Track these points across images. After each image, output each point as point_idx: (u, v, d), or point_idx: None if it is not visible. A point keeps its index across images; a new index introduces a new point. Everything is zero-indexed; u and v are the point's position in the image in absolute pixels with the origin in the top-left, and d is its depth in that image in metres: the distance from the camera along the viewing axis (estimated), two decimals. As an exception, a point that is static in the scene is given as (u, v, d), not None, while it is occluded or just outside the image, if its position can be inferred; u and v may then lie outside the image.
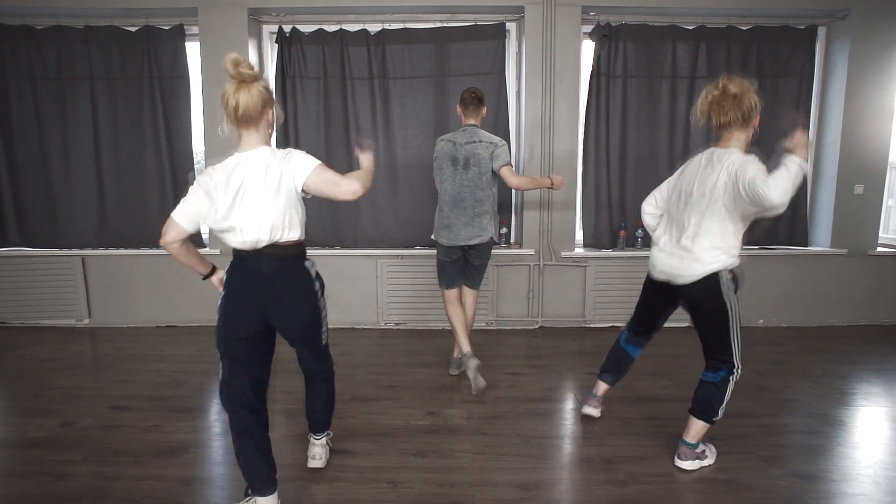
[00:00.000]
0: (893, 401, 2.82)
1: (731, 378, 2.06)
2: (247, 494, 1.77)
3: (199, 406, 2.75)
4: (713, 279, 1.99)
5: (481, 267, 3.04)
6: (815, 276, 4.17)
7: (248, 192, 1.64)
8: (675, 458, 2.15)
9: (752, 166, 1.85)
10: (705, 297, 2.03)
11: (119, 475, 2.06)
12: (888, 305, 4.20)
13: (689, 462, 2.13)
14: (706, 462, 2.17)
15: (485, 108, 2.98)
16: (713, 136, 2.12)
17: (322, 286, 1.86)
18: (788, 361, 3.42)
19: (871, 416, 2.64)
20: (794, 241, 4.23)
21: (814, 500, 1.93)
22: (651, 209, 2.30)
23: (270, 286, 1.71)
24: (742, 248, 2.06)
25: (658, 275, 2.17)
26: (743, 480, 2.06)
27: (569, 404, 2.79)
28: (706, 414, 2.09)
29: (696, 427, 2.12)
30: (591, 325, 4.15)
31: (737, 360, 2.06)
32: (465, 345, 2.93)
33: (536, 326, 4.14)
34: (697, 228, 2.01)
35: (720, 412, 2.08)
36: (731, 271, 2.02)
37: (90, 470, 2.10)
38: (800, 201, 4.20)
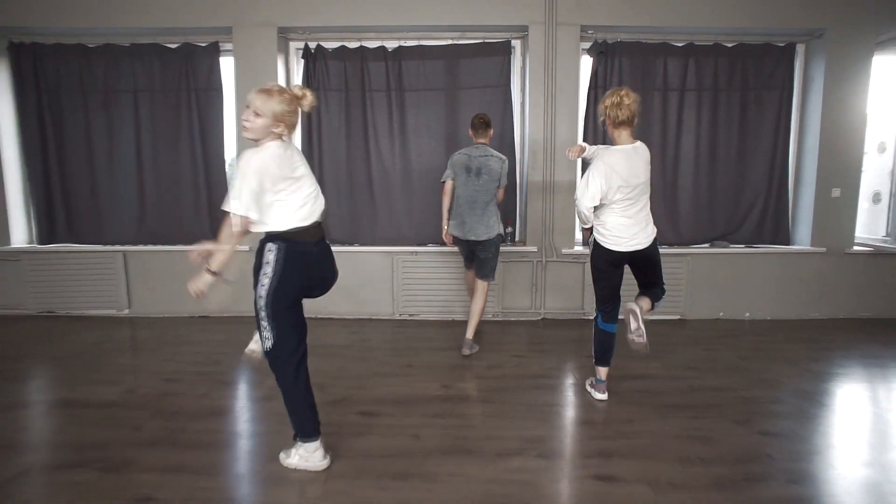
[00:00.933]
0: (860, 379, 3.15)
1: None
2: (295, 439, 2.13)
3: (239, 379, 3.12)
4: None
5: (487, 260, 3.47)
6: (796, 273, 4.51)
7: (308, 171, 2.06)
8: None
9: None
10: (655, 248, 2.72)
11: (183, 428, 2.44)
12: (865, 300, 4.53)
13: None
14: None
15: (492, 130, 3.50)
16: (608, 133, 2.77)
17: None
18: (769, 349, 3.75)
19: (837, 391, 2.98)
20: (778, 241, 4.58)
21: (773, 451, 2.27)
22: (591, 205, 2.65)
23: (319, 266, 2.09)
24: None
25: (631, 248, 2.65)
26: (714, 437, 2.41)
27: (569, 380, 3.14)
28: (659, 300, 2.82)
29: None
30: (590, 317, 4.49)
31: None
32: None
33: (539, 318, 4.50)
34: (644, 205, 2.67)
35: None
36: None
37: (159, 424, 2.48)
38: (782, 203, 4.55)
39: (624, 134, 2.64)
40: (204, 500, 1.89)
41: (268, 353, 2.04)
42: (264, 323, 2.01)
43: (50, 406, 2.70)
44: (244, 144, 4.25)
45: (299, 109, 2.01)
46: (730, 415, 2.65)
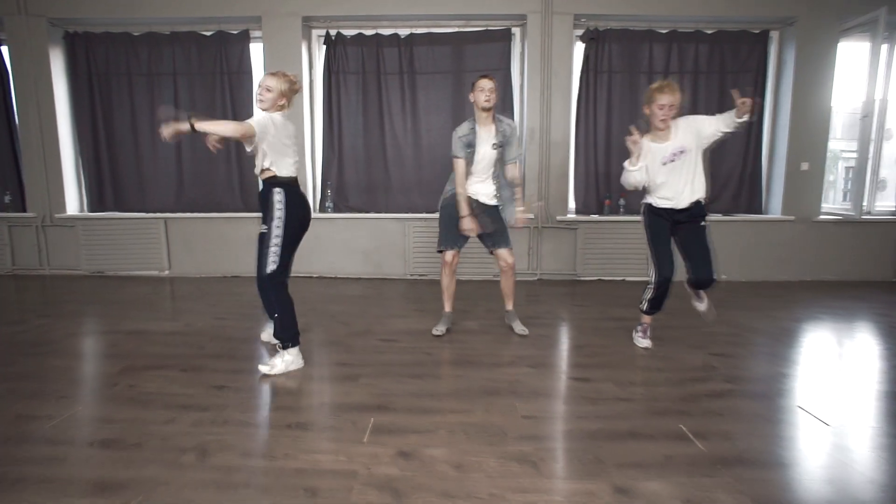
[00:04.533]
0: (812, 324, 3.67)
1: (647, 285, 3.07)
2: (285, 347, 2.65)
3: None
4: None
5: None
6: (768, 239, 5.00)
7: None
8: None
9: None
10: None
11: (238, 347, 3.00)
12: (829, 264, 5.02)
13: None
14: (635, 335, 3.18)
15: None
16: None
17: None
18: (738, 301, 4.25)
19: (788, 330, 3.49)
20: (752, 210, 5.08)
21: (718, 365, 2.79)
22: None
23: (306, 204, 2.73)
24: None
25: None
26: (672, 356, 2.93)
27: (558, 321, 3.67)
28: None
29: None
30: (581, 278, 5.02)
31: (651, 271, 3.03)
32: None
33: (536, 278, 5.03)
34: None
35: (641, 305, 3.11)
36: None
37: (218, 345, 3.04)
38: (756, 176, 5.04)
39: None
40: (267, 389, 2.44)
41: (269, 276, 2.60)
42: (274, 249, 2.58)
43: (127, 333, 3.27)
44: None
45: (293, 89, 2.69)
46: (689, 343, 3.17)
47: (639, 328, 3.16)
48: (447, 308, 3.41)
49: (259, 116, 2.55)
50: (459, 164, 3.14)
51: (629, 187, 2.98)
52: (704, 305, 3.19)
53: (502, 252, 3.30)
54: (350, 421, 2.11)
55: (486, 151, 3.15)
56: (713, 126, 2.83)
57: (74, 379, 2.53)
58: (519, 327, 3.36)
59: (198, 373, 2.62)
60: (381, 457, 1.83)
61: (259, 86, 2.62)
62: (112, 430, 2.00)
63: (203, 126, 2.38)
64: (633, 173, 2.88)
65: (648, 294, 3.05)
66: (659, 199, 2.95)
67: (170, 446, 1.88)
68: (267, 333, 3.04)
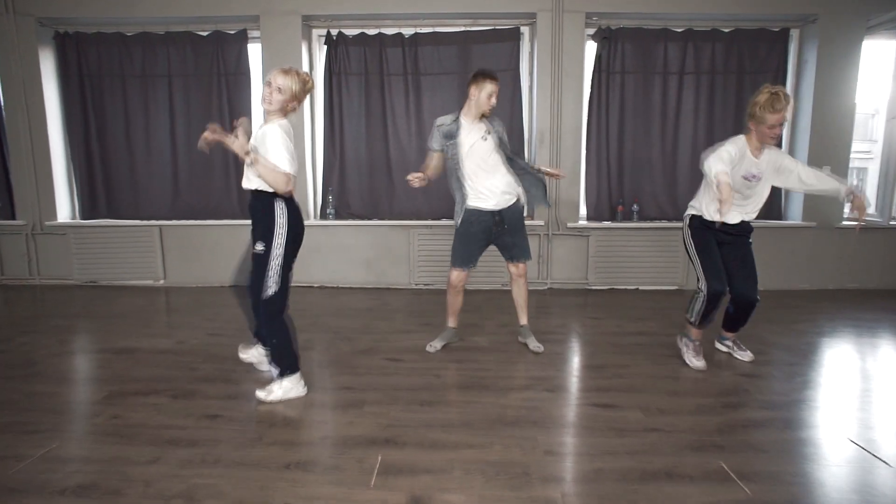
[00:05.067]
0: (840, 337, 3.46)
1: (696, 295, 2.83)
2: (282, 376, 2.41)
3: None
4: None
5: None
6: (788, 246, 4.79)
7: None
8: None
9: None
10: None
11: (233, 369, 2.79)
12: (852, 272, 4.81)
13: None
14: (685, 353, 2.95)
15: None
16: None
17: None
18: (758, 313, 3.95)
19: (816, 345, 3.28)
20: (771, 215, 4.86)
21: (750, 388, 2.59)
22: None
23: (302, 221, 2.44)
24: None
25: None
26: (700, 377, 2.73)
27: (573, 335, 3.47)
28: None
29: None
30: (593, 288, 4.81)
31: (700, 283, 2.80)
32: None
33: (546, 287, 4.82)
34: None
35: (689, 317, 2.88)
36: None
37: (211, 366, 2.83)
38: (776, 181, 4.82)
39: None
40: (264, 418, 2.24)
41: (267, 301, 2.34)
42: (272, 273, 2.32)
43: (116, 352, 3.06)
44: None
45: (306, 90, 2.36)
46: (715, 362, 2.97)
47: (689, 345, 2.94)
48: (450, 323, 3.22)
49: (283, 154, 2.21)
50: (433, 158, 2.98)
51: (707, 167, 2.52)
52: (748, 355, 3.01)
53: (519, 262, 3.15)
54: (355, 459, 1.90)
55: (475, 144, 2.91)
56: (800, 176, 2.76)
57: (53, 408, 2.33)
58: (534, 344, 3.15)
59: (189, 399, 2.42)
60: (391, 505, 1.63)
61: (267, 84, 2.26)
62: (89, 472, 1.79)
63: (259, 163, 2.21)
64: (720, 168, 2.45)
65: (698, 305, 2.82)
66: (714, 212, 2.75)
67: (153, 493, 1.68)
68: (248, 353, 2.75)
